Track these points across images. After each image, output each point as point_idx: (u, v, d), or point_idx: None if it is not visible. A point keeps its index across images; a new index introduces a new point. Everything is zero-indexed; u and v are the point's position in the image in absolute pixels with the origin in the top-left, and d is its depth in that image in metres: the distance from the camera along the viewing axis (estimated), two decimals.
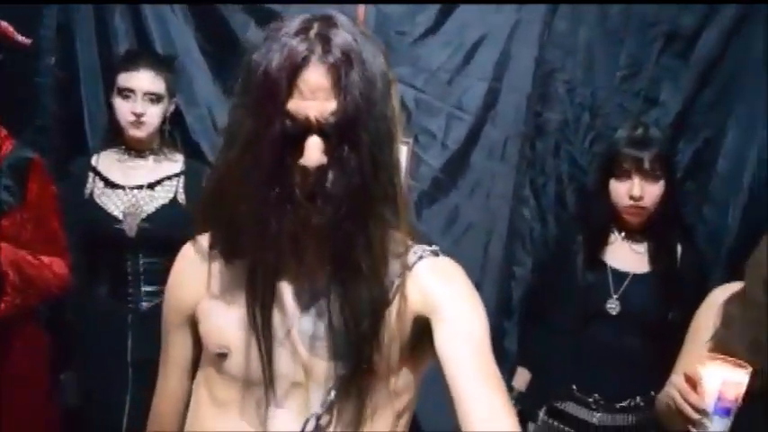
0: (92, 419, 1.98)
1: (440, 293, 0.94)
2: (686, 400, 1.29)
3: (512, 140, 2.23)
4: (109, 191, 1.97)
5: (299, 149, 0.86)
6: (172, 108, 2.03)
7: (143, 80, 1.93)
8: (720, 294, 1.55)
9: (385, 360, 0.93)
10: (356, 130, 0.86)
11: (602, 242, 1.96)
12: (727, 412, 1.26)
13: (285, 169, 0.87)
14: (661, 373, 1.64)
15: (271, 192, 0.87)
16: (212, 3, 2.18)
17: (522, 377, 2.08)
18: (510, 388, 2.08)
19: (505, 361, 2.14)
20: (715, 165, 2.15)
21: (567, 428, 1.94)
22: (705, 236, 2.12)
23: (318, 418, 0.93)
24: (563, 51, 2.20)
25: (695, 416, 1.27)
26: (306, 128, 0.85)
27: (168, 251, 1.91)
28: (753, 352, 1.38)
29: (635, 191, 1.85)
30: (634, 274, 1.92)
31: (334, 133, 0.85)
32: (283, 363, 0.94)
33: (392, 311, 0.93)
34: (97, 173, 1.99)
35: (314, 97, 0.84)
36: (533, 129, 2.23)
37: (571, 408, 1.94)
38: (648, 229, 1.92)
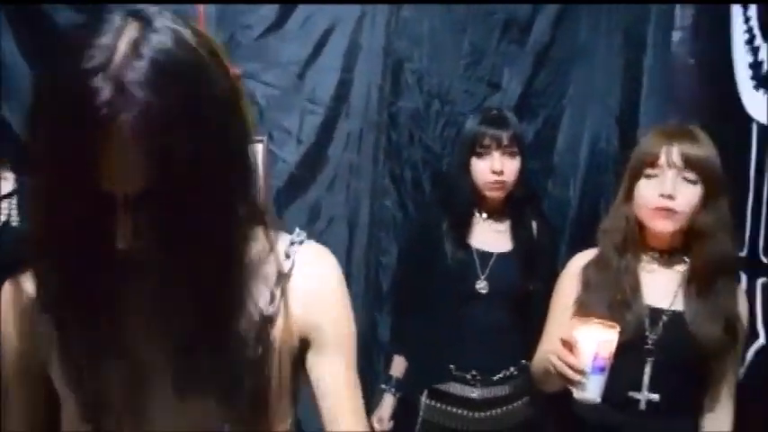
0: None
1: (320, 312, 0.89)
2: (565, 363, 1.38)
3: (367, 131, 2.25)
4: None
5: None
6: None
7: None
8: (577, 262, 1.69)
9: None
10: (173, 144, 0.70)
11: (467, 224, 2.03)
12: (602, 370, 1.38)
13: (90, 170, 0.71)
14: (528, 341, 1.75)
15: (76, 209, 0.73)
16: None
17: (399, 364, 2.10)
18: (388, 377, 2.10)
19: (380, 350, 2.15)
20: (555, 143, 2.31)
21: (450, 408, 2.00)
22: (550, 209, 2.27)
23: None
24: (410, 41, 2.25)
25: (575, 376, 1.37)
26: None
27: (3, 278, 1.73)
28: (612, 311, 1.52)
29: (496, 165, 1.93)
30: (498, 254, 2.01)
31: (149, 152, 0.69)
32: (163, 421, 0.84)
33: (277, 332, 0.86)
34: None
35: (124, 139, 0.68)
36: (387, 118, 2.27)
37: (452, 387, 1.99)
38: (508, 208, 2.03)
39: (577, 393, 1.39)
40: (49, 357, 0.85)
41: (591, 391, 1.37)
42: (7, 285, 0.90)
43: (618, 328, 1.40)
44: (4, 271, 1.70)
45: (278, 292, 0.85)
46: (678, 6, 1.87)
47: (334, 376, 0.91)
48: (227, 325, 0.80)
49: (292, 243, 0.90)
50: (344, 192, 2.26)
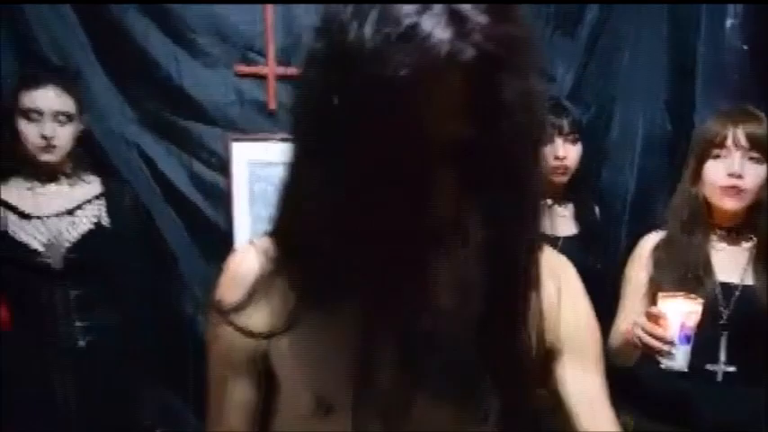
0: None
1: (565, 317, 0.83)
2: (652, 335, 1.46)
3: None
4: (24, 223, 1.80)
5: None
6: (82, 128, 1.88)
7: (50, 99, 1.78)
8: (646, 244, 1.78)
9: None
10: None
11: None
12: (688, 340, 1.47)
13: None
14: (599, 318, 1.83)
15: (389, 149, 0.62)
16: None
17: None
18: None
19: None
20: (609, 130, 2.37)
21: None
22: (607, 195, 2.33)
23: None
24: None
25: (664, 347, 1.45)
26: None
27: (98, 280, 1.84)
28: (685, 289, 1.60)
29: (559, 152, 2.01)
30: (564, 237, 2.09)
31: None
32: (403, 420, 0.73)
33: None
34: (6, 205, 1.80)
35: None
36: None
37: None
38: (570, 193, 2.09)
39: (665, 363, 1.47)
40: (285, 345, 0.77)
41: (679, 360, 1.46)
42: (240, 256, 0.82)
43: (702, 301, 1.48)
44: (101, 270, 1.83)
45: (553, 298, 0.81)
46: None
47: (585, 384, 0.83)
48: (516, 319, 0.72)
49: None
50: None
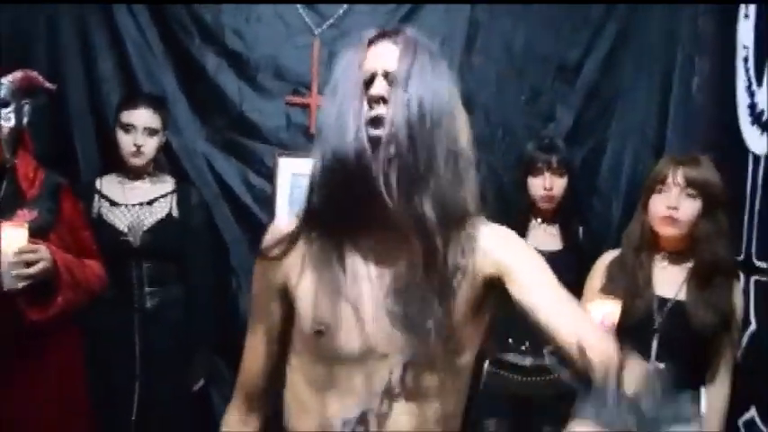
0: (104, 411, 2.17)
1: (507, 256, 1.06)
2: None
3: None
4: (114, 209, 2.30)
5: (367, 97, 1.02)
6: (164, 140, 2.38)
7: (143, 117, 2.27)
8: (604, 259, 2.09)
9: (455, 323, 1.04)
10: (416, 77, 1.02)
11: (524, 228, 2.47)
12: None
13: (356, 109, 1.01)
14: None
15: (345, 129, 1.00)
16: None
17: None
18: None
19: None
20: (599, 167, 2.69)
21: (506, 373, 2.39)
22: (596, 224, 2.63)
23: (393, 387, 1.04)
24: (478, 82, 2.67)
25: None
26: (374, 73, 1.03)
27: (166, 257, 2.34)
28: (627, 298, 1.91)
29: (547, 183, 2.35)
30: (549, 252, 2.43)
31: (396, 75, 1.02)
32: (374, 337, 1.04)
33: (463, 274, 1.04)
34: (102, 195, 2.32)
35: (383, 57, 1.04)
36: None
37: (509, 356, 2.40)
38: (558, 215, 2.44)
39: None
40: (301, 283, 1.08)
41: None
42: (273, 226, 1.16)
43: (619, 303, 1.81)
44: (169, 249, 2.29)
45: (467, 248, 1.05)
46: (696, 58, 2.26)
47: (538, 287, 1.05)
48: (435, 266, 1.01)
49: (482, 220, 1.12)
50: None
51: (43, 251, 1.75)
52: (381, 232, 1.05)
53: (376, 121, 1.01)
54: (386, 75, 1.04)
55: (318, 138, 1.06)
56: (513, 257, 1.07)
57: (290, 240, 1.10)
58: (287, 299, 1.11)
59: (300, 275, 1.08)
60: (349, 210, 1.04)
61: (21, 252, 1.70)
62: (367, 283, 1.05)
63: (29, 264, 1.71)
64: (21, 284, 1.70)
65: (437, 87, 1.04)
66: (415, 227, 1.00)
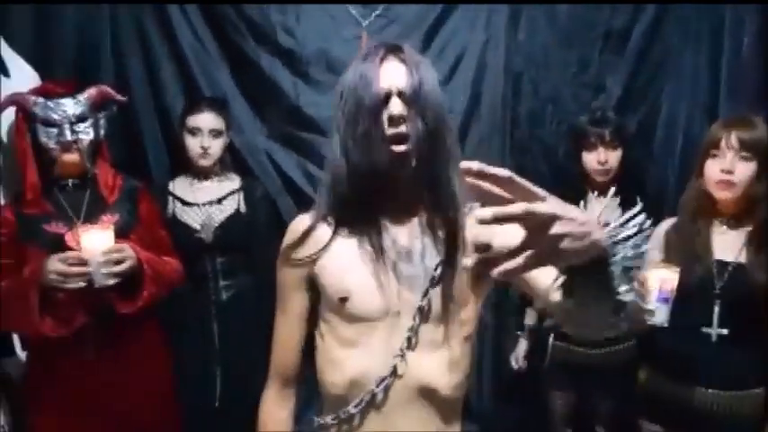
0: (188, 399, 2.30)
1: (495, 231, 1.21)
2: (639, 296, 1.82)
3: (494, 133, 2.71)
4: (186, 208, 2.44)
5: (386, 112, 1.20)
6: (228, 140, 2.50)
7: (207, 120, 2.40)
8: (663, 227, 2.11)
9: (459, 290, 1.22)
10: (423, 95, 1.20)
11: (581, 201, 2.49)
12: (665, 300, 1.82)
13: (379, 124, 1.20)
14: None
15: (371, 141, 1.18)
16: None
17: (531, 315, 2.59)
18: (522, 325, 2.59)
19: (513, 305, 2.65)
20: (655, 132, 2.67)
21: (572, 346, 2.44)
22: (653, 190, 2.64)
23: (411, 338, 1.24)
24: (525, 57, 2.70)
25: (646, 305, 1.81)
26: (389, 92, 1.21)
27: (237, 251, 2.46)
28: (686, 264, 1.92)
29: (601, 157, 2.38)
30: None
31: (408, 95, 1.20)
32: (389, 299, 1.24)
33: (464, 245, 1.23)
34: (174, 196, 2.47)
35: (392, 76, 1.21)
36: (510, 121, 2.72)
37: None
38: (615, 186, 2.45)
39: (650, 320, 1.82)
40: (323, 266, 1.28)
41: (658, 317, 1.81)
42: (296, 220, 1.34)
43: (677, 269, 1.83)
44: (239, 243, 2.43)
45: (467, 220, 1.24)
46: (746, 17, 2.21)
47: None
48: (455, 241, 1.23)
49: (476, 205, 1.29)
50: None
51: (128, 250, 1.91)
52: (397, 218, 1.27)
53: (399, 138, 1.21)
54: (399, 94, 1.22)
55: (341, 149, 1.24)
56: (502, 231, 1.18)
57: (313, 236, 1.30)
58: (311, 284, 1.32)
59: (323, 259, 1.28)
60: (376, 206, 1.26)
61: (108, 252, 1.86)
62: (383, 255, 1.25)
63: (116, 262, 1.87)
64: (111, 281, 1.87)
65: (438, 96, 1.24)
66: (441, 216, 1.25)
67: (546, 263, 0.89)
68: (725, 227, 2.00)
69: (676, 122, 2.63)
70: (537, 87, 2.72)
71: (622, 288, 0.97)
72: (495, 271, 0.84)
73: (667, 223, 2.10)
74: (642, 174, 2.65)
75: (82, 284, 1.84)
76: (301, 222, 1.33)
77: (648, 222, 0.99)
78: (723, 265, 1.94)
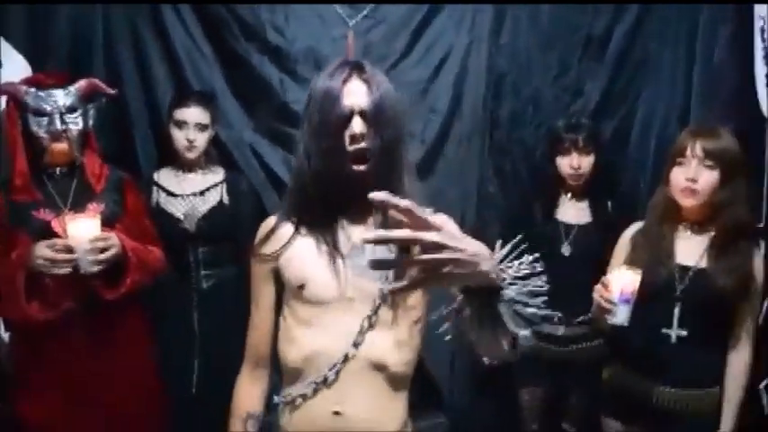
0: (166, 385, 2.33)
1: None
2: (601, 297, 1.90)
3: (475, 133, 2.78)
4: (171, 198, 2.51)
5: (347, 128, 1.33)
6: (213, 133, 2.57)
7: (194, 114, 2.46)
8: (630, 230, 2.17)
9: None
10: (382, 113, 1.34)
11: (554, 203, 2.58)
12: (627, 301, 1.87)
13: (341, 140, 1.33)
14: None
15: (333, 156, 1.32)
16: None
17: None
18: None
19: None
20: (630, 137, 2.75)
21: (541, 343, 2.53)
22: (626, 193, 2.72)
23: (369, 319, 1.38)
24: (508, 59, 2.77)
25: (607, 306, 1.87)
26: (351, 112, 1.34)
27: (219, 241, 2.53)
28: (650, 267, 1.98)
29: (574, 162, 2.47)
30: (579, 225, 2.54)
31: (368, 115, 1.34)
32: (344, 286, 1.38)
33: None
34: (159, 186, 2.53)
35: (355, 95, 1.34)
36: (490, 122, 2.79)
37: (543, 327, 2.53)
38: (587, 190, 2.54)
39: (610, 319, 1.88)
40: (286, 259, 1.42)
41: (618, 317, 1.86)
42: (267, 220, 1.49)
43: (639, 272, 1.90)
44: (221, 234, 2.50)
45: None
46: (719, 27, 2.29)
47: None
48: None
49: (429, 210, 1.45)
50: (457, 180, 2.80)
51: (113, 239, 1.98)
52: (353, 217, 1.40)
53: (358, 154, 1.34)
54: (361, 113, 1.35)
55: (304, 157, 1.38)
56: None
57: (277, 234, 1.45)
58: (277, 277, 1.46)
59: (286, 253, 1.43)
60: (334, 208, 1.40)
61: (95, 240, 1.92)
62: (337, 249, 1.39)
63: (102, 250, 1.94)
64: (96, 268, 1.94)
65: (396, 113, 1.37)
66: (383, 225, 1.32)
67: (434, 283, 1.02)
68: (689, 232, 2.06)
69: (651, 127, 2.70)
70: (518, 89, 2.79)
71: (510, 320, 1.10)
72: (386, 288, 1.01)
73: (635, 226, 2.16)
74: (616, 177, 2.72)
75: (68, 270, 1.91)
76: (269, 223, 1.48)
77: (539, 267, 1.14)
78: (685, 269, 2.00)
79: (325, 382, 1.39)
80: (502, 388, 2.72)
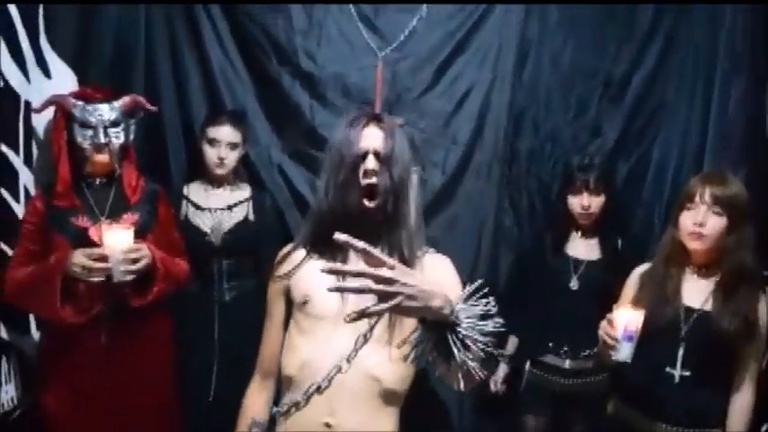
0: (185, 391, 2.44)
1: (437, 274, 1.54)
2: (606, 333, 1.96)
3: (494, 165, 2.86)
4: (199, 212, 2.62)
5: (362, 164, 1.53)
6: (243, 152, 2.67)
7: (226, 133, 2.57)
8: (639, 270, 2.22)
9: None
10: (393, 155, 1.54)
11: (565, 239, 2.66)
12: (630, 338, 1.92)
13: (356, 175, 1.53)
14: None
15: (347, 187, 1.52)
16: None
17: (512, 342, 2.76)
18: (502, 352, 2.73)
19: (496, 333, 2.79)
20: (645, 177, 2.82)
21: (547, 375, 2.61)
22: (640, 231, 2.79)
23: (365, 336, 1.51)
24: (529, 96, 2.86)
25: (611, 342, 1.93)
26: (367, 151, 1.54)
27: (243, 255, 2.63)
28: (656, 307, 2.04)
29: (584, 202, 2.56)
30: (588, 261, 2.62)
31: (382, 154, 1.54)
32: (345, 303, 1.49)
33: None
34: (188, 200, 2.64)
35: (371, 138, 1.55)
36: (510, 156, 2.87)
37: (549, 358, 2.60)
38: (597, 228, 2.62)
39: (614, 356, 1.93)
40: (295, 278, 1.59)
41: (621, 353, 1.91)
42: (284, 249, 1.68)
43: (642, 311, 1.97)
44: (245, 249, 2.59)
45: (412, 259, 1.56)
46: (734, 75, 2.39)
47: None
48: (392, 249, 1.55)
49: (428, 249, 1.64)
50: (475, 209, 2.87)
51: (145, 250, 2.09)
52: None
53: (370, 189, 1.53)
54: (376, 154, 1.54)
55: (324, 192, 1.57)
56: (442, 277, 1.54)
57: (292, 257, 1.63)
58: (288, 295, 1.61)
59: (297, 274, 1.60)
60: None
61: (128, 251, 2.03)
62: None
63: (134, 261, 2.05)
64: (128, 278, 2.05)
65: (407, 159, 1.58)
66: (397, 251, 1.54)
67: (393, 311, 1.19)
68: (695, 275, 2.11)
69: (665, 170, 2.78)
70: (538, 126, 2.88)
71: (459, 353, 1.24)
72: (346, 316, 1.17)
73: (643, 267, 2.21)
74: (627, 217, 2.79)
75: (102, 278, 2.01)
76: (285, 248, 1.67)
77: (494, 307, 1.29)
78: (690, 310, 2.05)
79: (318, 391, 1.50)
80: (509, 412, 2.77)
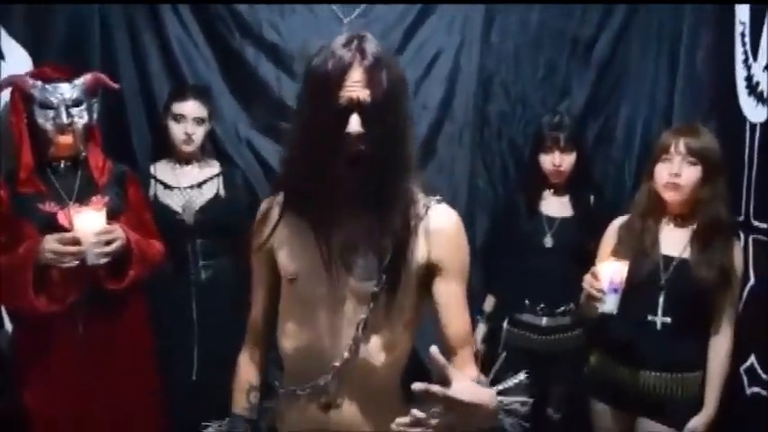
0: (167, 373, 2.39)
1: (444, 249, 1.34)
2: (591, 286, 1.99)
3: (465, 129, 2.86)
4: (168, 191, 2.55)
5: (344, 125, 1.21)
6: (210, 127, 2.62)
7: (192, 108, 2.50)
8: (615, 223, 2.26)
9: (402, 283, 1.33)
10: (384, 111, 1.21)
11: (538, 197, 2.68)
12: (615, 290, 1.96)
13: (336, 140, 1.21)
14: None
15: (326, 156, 1.22)
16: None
17: (490, 302, 2.79)
18: (481, 311, 2.77)
19: (474, 292, 2.81)
20: (614, 136, 2.86)
21: (524, 332, 2.65)
22: (610, 189, 2.84)
23: (365, 321, 1.34)
24: (497, 60, 2.86)
25: (597, 295, 1.96)
26: (349, 107, 1.21)
27: (217, 233, 2.57)
28: (635, 258, 2.07)
29: (556, 160, 2.57)
30: (561, 218, 2.65)
31: (369, 111, 1.20)
32: (336, 285, 1.34)
33: (410, 248, 1.32)
34: (156, 179, 2.57)
35: (355, 87, 1.20)
36: (480, 120, 2.88)
37: (525, 317, 2.64)
38: (569, 186, 2.65)
39: (600, 308, 1.97)
40: (279, 244, 1.39)
41: (608, 305, 1.95)
42: (265, 201, 1.46)
43: (627, 262, 2.00)
44: (219, 226, 2.54)
45: (413, 222, 1.31)
46: (701, 32, 2.42)
47: (449, 293, 1.34)
48: (387, 225, 1.29)
49: (431, 200, 1.37)
50: (448, 175, 2.87)
51: (118, 231, 2.02)
52: (350, 211, 1.30)
53: (354, 158, 1.23)
54: (359, 108, 1.21)
55: (293, 146, 1.33)
56: (448, 253, 1.35)
57: (272, 218, 1.41)
58: (274, 260, 1.42)
59: (280, 242, 1.39)
60: (326, 205, 1.30)
61: (101, 233, 1.96)
62: (330, 246, 1.32)
63: (107, 243, 1.98)
64: (102, 261, 1.98)
65: (402, 104, 1.28)
66: (378, 225, 1.29)
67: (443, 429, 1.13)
68: (672, 225, 2.16)
69: (635, 127, 2.82)
70: (507, 88, 2.88)
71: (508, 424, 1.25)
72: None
73: (620, 220, 2.25)
74: (598, 174, 2.82)
75: (75, 263, 1.94)
76: (262, 207, 1.47)
77: (530, 401, 1.31)
78: (668, 259, 2.11)
79: (319, 382, 1.39)
80: (486, 372, 2.79)
